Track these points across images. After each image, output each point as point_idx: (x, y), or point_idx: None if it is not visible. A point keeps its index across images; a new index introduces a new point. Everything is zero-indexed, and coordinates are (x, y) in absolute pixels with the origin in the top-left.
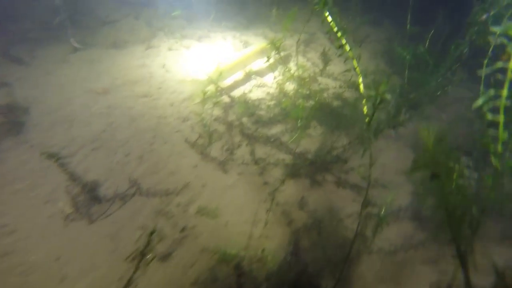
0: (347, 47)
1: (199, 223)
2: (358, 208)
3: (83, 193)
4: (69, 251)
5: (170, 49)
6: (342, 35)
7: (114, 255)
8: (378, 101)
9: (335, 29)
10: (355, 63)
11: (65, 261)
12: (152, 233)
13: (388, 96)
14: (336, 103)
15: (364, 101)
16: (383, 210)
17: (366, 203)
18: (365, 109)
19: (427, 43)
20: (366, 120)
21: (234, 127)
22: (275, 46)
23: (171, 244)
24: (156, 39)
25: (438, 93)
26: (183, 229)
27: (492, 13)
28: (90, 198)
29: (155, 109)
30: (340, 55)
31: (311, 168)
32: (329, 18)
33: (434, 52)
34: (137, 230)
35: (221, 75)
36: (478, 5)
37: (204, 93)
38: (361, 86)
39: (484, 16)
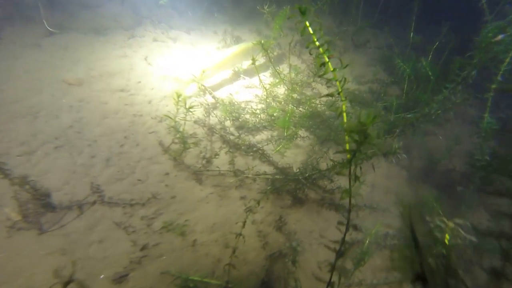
0: (330, 66)
1: (163, 241)
2: (342, 232)
3: (34, 198)
4: (10, 265)
5: (155, 40)
6: (325, 51)
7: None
8: (361, 138)
9: (316, 43)
10: (338, 85)
11: (3, 278)
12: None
13: (374, 133)
14: (328, 112)
15: (345, 135)
16: (367, 241)
17: (345, 236)
18: (347, 145)
19: (430, 56)
20: (348, 156)
21: (215, 132)
22: (264, 47)
23: (128, 264)
24: (141, 28)
25: (438, 112)
26: (144, 247)
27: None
28: (42, 204)
29: (131, 105)
30: (321, 76)
31: (294, 184)
32: (310, 30)
33: (436, 66)
34: (92, 245)
35: (205, 73)
36: (489, 22)
37: (178, 95)
38: (345, 116)
39: (500, 37)
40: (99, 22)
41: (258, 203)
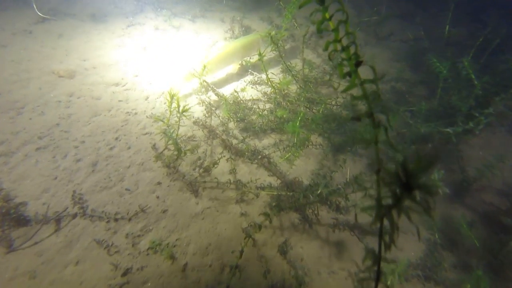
0: (357, 77)
1: (149, 264)
2: (358, 259)
3: (5, 209)
4: None
5: (156, 28)
6: (351, 56)
7: None
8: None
9: (340, 44)
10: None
11: None
12: None
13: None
14: (346, 114)
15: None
16: (392, 278)
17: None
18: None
19: (471, 53)
20: (378, 208)
21: (216, 135)
22: (274, 39)
23: None
24: (142, 14)
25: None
26: (125, 272)
27: None
28: (14, 217)
29: (125, 102)
30: (345, 91)
31: (303, 200)
32: (332, 24)
33: (481, 67)
34: (67, 267)
35: (207, 68)
36: None
37: (172, 95)
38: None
39: None
40: (98, 7)
41: (260, 227)
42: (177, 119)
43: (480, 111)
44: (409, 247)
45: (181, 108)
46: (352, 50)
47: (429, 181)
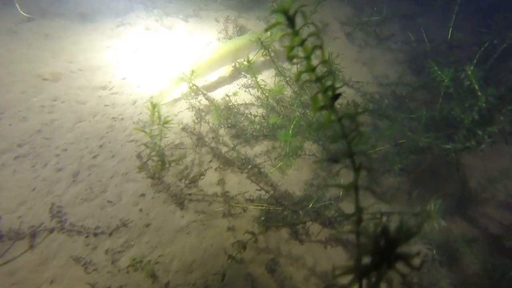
0: (333, 115)
1: (129, 283)
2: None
3: None
4: None
5: (147, 29)
6: (329, 91)
7: None
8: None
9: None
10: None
11: None
12: None
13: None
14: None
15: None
16: None
17: None
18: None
19: (475, 60)
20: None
21: (205, 142)
22: (263, 44)
23: None
24: (133, 14)
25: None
26: None
27: None
28: None
29: (112, 107)
30: (317, 129)
31: (293, 214)
32: (302, 52)
33: (485, 76)
34: (40, 287)
35: (195, 72)
36: None
37: (153, 104)
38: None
39: None
40: (88, 6)
41: (245, 248)
42: (161, 129)
43: (484, 128)
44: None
45: (162, 119)
46: (328, 81)
47: (410, 253)
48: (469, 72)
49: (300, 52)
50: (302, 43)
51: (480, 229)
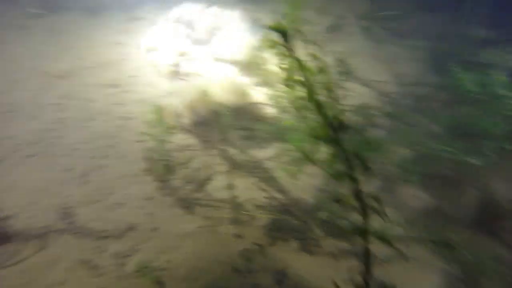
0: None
1: None
2: None
3: None
4: None
5: (158, 23)
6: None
7: None
8: None
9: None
10: None
11: None
12: None
13: None
14: (359, 120)
15: None
16: None
17: None
18: None
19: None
20: None
21: (215, 143)
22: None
23: None
24: (144, 7)
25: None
26: None
27: None
28: None
29: (121, 105)
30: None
31: (303, 225)
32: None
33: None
34: None
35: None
36: None
37: (157, 110)
38: None
39: None
40: (98, 0)
41: (251, 260)
42: (168, 132)
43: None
44: (423, 279)
45: (167, 125)
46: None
47: None
48: (499, 79)
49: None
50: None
51: (506, 245)
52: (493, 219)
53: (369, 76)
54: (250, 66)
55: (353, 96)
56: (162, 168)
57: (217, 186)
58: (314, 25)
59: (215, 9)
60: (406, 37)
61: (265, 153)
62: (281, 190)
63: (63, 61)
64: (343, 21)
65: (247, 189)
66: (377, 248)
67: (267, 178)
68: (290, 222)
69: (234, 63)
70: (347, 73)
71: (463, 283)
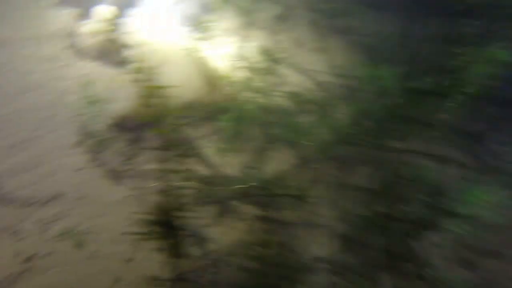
0: None
1: (56, 251)
2: None
3: None
4: None
5: None
6: None
7: None
8: None
9: None
10: None
11: None
12: None
13: None
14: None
15: None
16: None
17: None
18: None
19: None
20: None
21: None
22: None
23: (2, 281)
24: None
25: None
26: (29, 258)
27: None
28: None
29: (59, 79)
30: None
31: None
32: None
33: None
34: None
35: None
36: None
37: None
38: None
39: None
40: None
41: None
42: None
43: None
44: None
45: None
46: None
47: None
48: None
49: None
50: None
51: None
52: None
53: (306, 66)
54: None
55: (289, 83)
56: (95, 141)
57: (147, 159)
58: (262, 13)
59: None
60: (350, 33)
61: (199, 131)
62: (211, 165)
63: (2, 29)
64: (292, 12)
65: (176, 163)
66: None
67: (196, 154)
68: (211, 192)
69: None
70: (285, 61)
71: None
